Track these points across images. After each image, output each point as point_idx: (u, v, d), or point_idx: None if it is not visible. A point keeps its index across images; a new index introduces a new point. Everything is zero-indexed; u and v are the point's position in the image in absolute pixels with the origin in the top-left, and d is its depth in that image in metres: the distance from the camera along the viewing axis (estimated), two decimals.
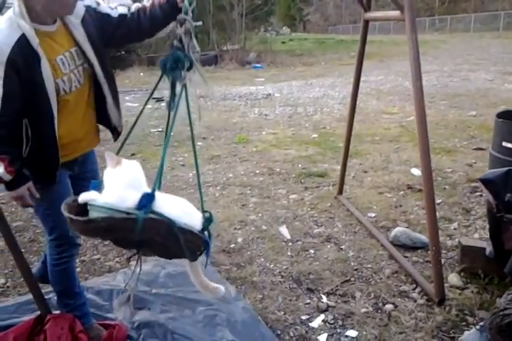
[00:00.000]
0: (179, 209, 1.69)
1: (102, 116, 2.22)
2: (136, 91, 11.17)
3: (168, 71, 1.80)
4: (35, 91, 1.86)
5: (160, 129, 7.16)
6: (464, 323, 2.45)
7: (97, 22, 2.05)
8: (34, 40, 1.82)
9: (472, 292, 2.68)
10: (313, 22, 53.98)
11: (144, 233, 1.57)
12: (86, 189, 2.04)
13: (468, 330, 2.34)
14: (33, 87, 1.85)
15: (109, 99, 2.16)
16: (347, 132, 4.03)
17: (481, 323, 2.30)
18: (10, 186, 1.94)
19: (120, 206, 1.58)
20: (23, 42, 1.80)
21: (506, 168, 2.20)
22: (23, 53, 1.80)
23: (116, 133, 2.29)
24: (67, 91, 1.98)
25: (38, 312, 2.38)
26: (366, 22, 3.59)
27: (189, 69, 1.83)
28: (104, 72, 2.10)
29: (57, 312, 2.38)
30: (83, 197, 1.67)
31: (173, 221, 1.60)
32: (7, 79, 1.78)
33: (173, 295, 2.79)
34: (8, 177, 1.89)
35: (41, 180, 2.04)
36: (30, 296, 2.43)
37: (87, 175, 2.25)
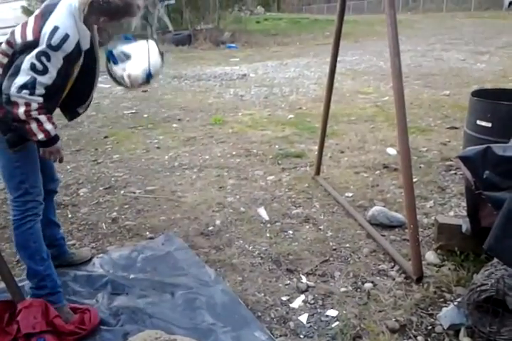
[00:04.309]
0: None
1: (84, 96, 2.51)
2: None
3: None
4: (64, 82, 2.20)
5: (133, 111, 7.02)
6: (441, 300, 2.48)
7: None
8: (86, 46, 2.22)
9: (449, 269, 2.71)
10: (288, 1, 53.32)
11: None
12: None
13: (446, 307, 2.37)
14: (65, 79, 2.19)
15: (96, 85, 2.53)
16: (324, 112, 3.99)
17: (459, 299, 2.34)
18: (52, 141, 2.18)
19: None
20: (78, 43, 2.13)
21: (485, 145, 2.19)
22: (77, 52, 2.15)
23: (76, 113, 2.56)
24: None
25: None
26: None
27: None
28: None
29: (29, 298, 2.31)
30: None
31: None
32: (62, 66, 2.09)
33: (151, 279, 2.75)
34: (54, 133, 2.16)
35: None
36: (2, 285, 2.36)
37: None
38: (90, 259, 2.96)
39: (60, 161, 2.35)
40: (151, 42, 2.70)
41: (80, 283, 2.74)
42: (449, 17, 26.29)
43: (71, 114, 2.54)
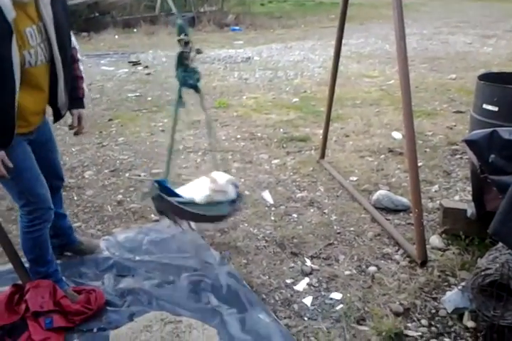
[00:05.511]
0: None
1: (52, 96, 2.23)
2: (111, 55, 10.80)
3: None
4: (1, 64, 1.86)
5: (137, 94, 6.98)
6: (445, 284, 2.50)
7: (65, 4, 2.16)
8: (10, 14, 1.81)
9: (453, 253, 2.72)
10: None
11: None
12: (50, 153, 2.41)
13: (450, 291, 2.39)
14: (0, 60, 1.85)
15: (61, 82, 2.19)
16: (329, 96, 3.97)
17: (463, 283, 2.35)
18: None
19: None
20: None
21: (490, 129, 2.18)
22: None
23: (58, 115, 2.34)
24: (33, 64, 2.01)
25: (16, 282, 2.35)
26: None
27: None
28: (61, 54, 2.12)
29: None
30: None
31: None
32: None
33: (157, 261, 2.77)
34: None
35: None
36: (10, 265, 2.39)
37: (47, 137, 2.39)
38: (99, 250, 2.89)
39: (2, 177, 2.04)
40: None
41: (86, 265, 2.76)
42: (456, 0, 25.91)
43: (54, 111, 2.34)
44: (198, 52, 2.17)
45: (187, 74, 2.11)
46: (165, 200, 2.08)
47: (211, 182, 2.20)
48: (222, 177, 2.24)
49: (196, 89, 2.19)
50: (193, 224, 2.43)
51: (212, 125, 2.40)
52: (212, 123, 2.40)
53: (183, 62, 2.11)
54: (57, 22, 2.06)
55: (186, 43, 2.08)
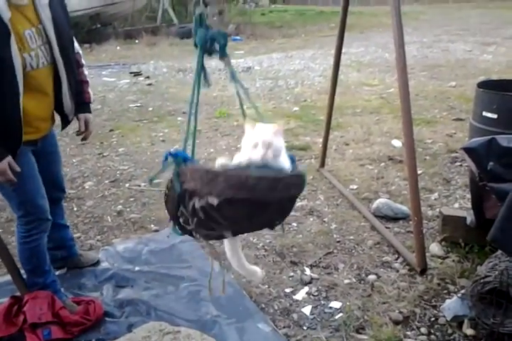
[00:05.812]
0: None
1: (57, 102, 2.21)
2: (112, 66, 10.89)
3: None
4: (1, 66, 1.84)
5: (138, 104, 7.01)
6: (445, 291, 2.49)
7: (64, 7, 2.15)
8: (6, 14, 1.81)
9: (453, 261, 2.71)
10: None
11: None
12: (53, 164, 2.37)
13: (449, 298, 2.38)
14: (0, 62, 1.84)
15: (65, 86, 2.17)
16: (329, 104, 3.98)
17: (463, 291, 2.34)
18: None
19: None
20: None
21: (489, 137, 2.19)
22: None
23: (66, 121, 2.32)
24: (34, 66, 2.00)
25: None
26: None
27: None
28: (63, 57, 2.11)
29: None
30: (220, 160, 1.51)
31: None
32: None
33: (156, 271, 2.77)
34: None
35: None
36: (8, 277, 2.39)
37: (52, 149, 2.37)
38: (98, 262, 2.87)
39: (5, 182, 2.01)
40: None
41: (86, 276, 2.75)
42: (455, 8, 26.02)
43: (62, 117, 2.32)
44: (221, 13, 1.84)
45: (209, 34, 1.63)
46: (190, 170, 1.45)
47: (247, 132, 1.50)
48: (265, 129, 1.48)
49: (222, 53, 1.68)
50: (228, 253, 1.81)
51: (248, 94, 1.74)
52: (248, 95, 1.74)
53: (202, 23, 1.64)
54: (57, 24, 2.06)
55: (205, 5, 1.68)
